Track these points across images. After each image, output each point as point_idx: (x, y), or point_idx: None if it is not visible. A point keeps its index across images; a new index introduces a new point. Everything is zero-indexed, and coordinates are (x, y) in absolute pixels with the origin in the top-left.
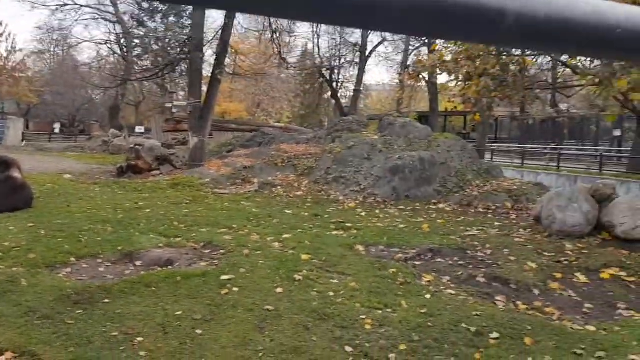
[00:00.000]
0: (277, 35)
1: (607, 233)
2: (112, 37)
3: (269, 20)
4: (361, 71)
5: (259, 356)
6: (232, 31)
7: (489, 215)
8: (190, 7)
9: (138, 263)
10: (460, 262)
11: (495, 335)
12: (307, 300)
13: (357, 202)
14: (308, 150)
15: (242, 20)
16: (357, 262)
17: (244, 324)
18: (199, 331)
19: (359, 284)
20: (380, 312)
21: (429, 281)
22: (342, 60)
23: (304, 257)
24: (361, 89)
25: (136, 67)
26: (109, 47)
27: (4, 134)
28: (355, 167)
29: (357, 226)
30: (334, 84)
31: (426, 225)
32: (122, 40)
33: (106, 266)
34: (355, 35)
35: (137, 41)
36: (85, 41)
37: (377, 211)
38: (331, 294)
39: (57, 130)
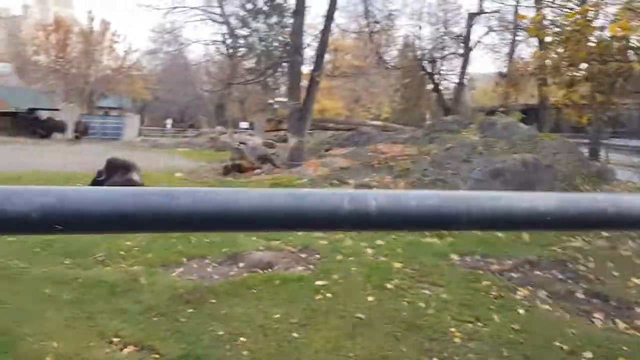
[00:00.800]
0: (375, 35)
1: None
2: (219, 37)
3: (367, 20)
4: (465, 63)
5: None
6: (331, 31)
7: None
8: (292, 7)
9: (241, 264)
10: (559, 276)
11: (589, 354)
12: (397, 309)
13: None
14: (404, 151)
15: (341, 19)
16: (450, 273)
17: (336, 330)
18: (295, 334)
19: (451, 295)
20: (471, 325)
21: (524, 295)
22: (445, 52)
23: (397, 265)
24: (464, 81)
25: (242, 67)
26: (215, 47)
27: (122, 131)
28: (453, 169)
29: (452, 233)
30: (436, 77)
31: (527, 234)
32: (228, 41)
33: (213, 267)
34: (460, 24)
35: (241, 41)
36: (194, 42)
37: None
38: (422, 304)
39: (169, 126)
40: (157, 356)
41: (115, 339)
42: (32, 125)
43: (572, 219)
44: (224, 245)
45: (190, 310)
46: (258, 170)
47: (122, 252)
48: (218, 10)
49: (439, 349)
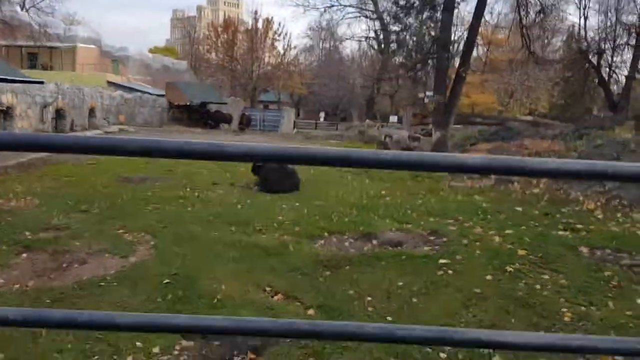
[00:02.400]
0: (527, 30)
1: None
2: (372, 34)
3: (519, 14)
4: (637, 55)
5: (458, 324)
6: (482, 25)
7: None
8: (442, 2)
9: (374, 242)
10: None
11: None
12: (513, 289)
13: (598, 203)
14: (551, 147)
15: (491, 14)
16: (574, 262)
17: (452, 301)
18: (415, 300)
19: (569, 281)
20: (583, 308)
21: None
22: (615, 43)
23: (521, 252)
24: (635, 75)
25: (393, 62)
26: (368, 43)
27: (279, 123)
28: None
29: (588, 228)
30: (603, 70)
31: None
32: (380, 36)
33: (350, 242)
34: (632, 14)
35: (393, 37)
36: (347, 39)
37: (619, 215)
38: (538, 286)
39: (322, 119)
40: (299, 304)
41: (267, 288)
42: (203, 117)
43: None
44: (361, 224)
45: (328, 273)
46: None
47: (275, 225)
48: (372, 7)
49: (546, 324)
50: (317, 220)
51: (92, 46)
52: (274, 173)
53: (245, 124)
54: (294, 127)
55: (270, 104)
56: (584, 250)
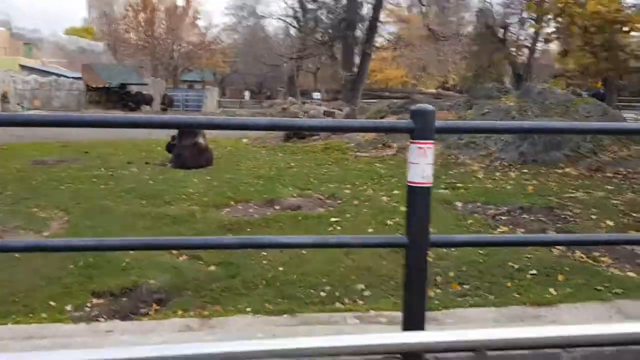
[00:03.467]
0: (426, 8)
1: None
2: (290, 12)
3: None
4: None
5: (340, 269)
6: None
7: (614, 180)
8: None
9: (277, 207)
10: (541, 218)
11: (533, 271)
12: None
13: (482, 165)
14: (447, 116)
15: None
16: (444, 214)
17: (337, 251)
18: (304, 252)
19: (436, 228)
20: (444, 250)
21: (502, 232)
22: (521, 16)
23: (403, 208)
24: (537, 47)
25: (312, 40)
26: (287, 22)
27: (202, 103)
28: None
29: (467, 186)
30: (509, 43)
31: (531, 187)
32: (299, 14)
33: (254, 208)
34: None
35: (310, 15)
36: (267, 17)
37: (498, 174)
38: None
39: (247, 97)
40: (202, 262)
41: (174, 251)
42: (122, 99)
43: None
44: (265, 193)
45: (230, 235)
46: (316, 137)
47: (184, 197)
48: None
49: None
50: (225, 191)
51: (1, 29)
52: (188, 150)
53: (167, 104)
54: (218, 106)
55: (194, 84)
56: (459, 204)
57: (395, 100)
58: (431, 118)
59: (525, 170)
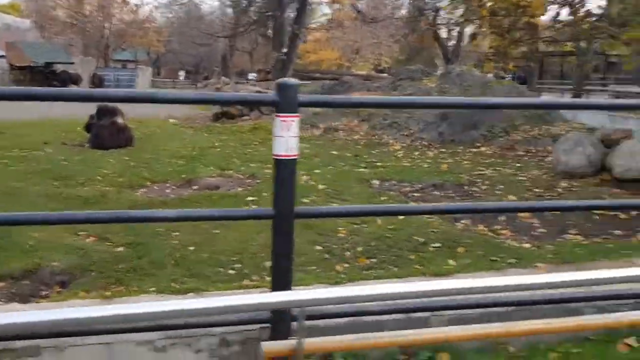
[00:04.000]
0: None
1: (609, 175)
2: None
3: None
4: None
5: (252, 247)
6: None
7: (524, 158)
8: None
9: (195, 187)
10: (451, 195)
11: (437, 244)
12: None
13: (405, 145)
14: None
15: None
16: (360, 192)
17: (249, 229)
18: (216, 231)
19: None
20: (357, 226)
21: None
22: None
23: (320, 186)
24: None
25: (245, 19)
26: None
27: (134, 82)
28: (409, 113)
29: (386, 165)
30: (438, 27)
31: (446, 165)
32: None
33: (172, 189)
34: None
35: None
36: None
37: (417, 153)
38: None
39: (182, 78)
40: (110, 243)
41: (82, 233)
42: (48, 78)
43: None
44: (184, 173)
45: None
46: (246, 117)
47: (99, 178)
48: None
49: (323, 240)
50: (141, 172)
51: None
52: (106, 129)
53: (96, 84)
54: (151, 86)
55: (127, 63)
56: (376, 182)
57: (328, 82)
58: (294, 92)
59: (443, 150)
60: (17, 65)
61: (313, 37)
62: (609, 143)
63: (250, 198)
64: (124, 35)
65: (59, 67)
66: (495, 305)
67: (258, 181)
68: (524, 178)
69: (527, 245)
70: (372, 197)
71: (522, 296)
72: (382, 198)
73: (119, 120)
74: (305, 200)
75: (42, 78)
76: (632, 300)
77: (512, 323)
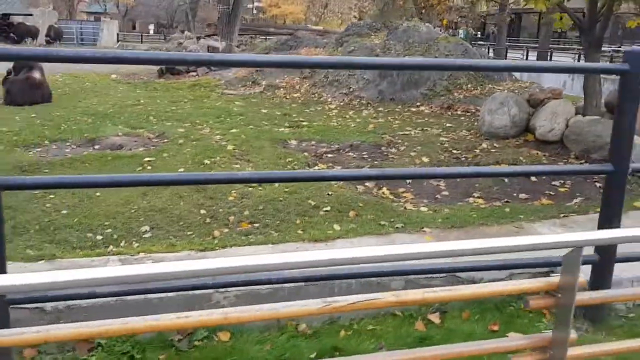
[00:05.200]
0: None
1: (532, 135)
2: None
3: None
4: None
5: (131, 211)
6: None
7: (461, 118)
8: None
9: (96, 147)
10: (364, 156)
11: (327, 208)
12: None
13: (342, 103)
14: (320, 54)
15: None
16: (269, 154)
17: (135, 192)
18: (98, 194)
19: (254, 169)
20: (251, 189)
21: (318, 169)
22: None
23: (230, 147)
24: None
25: None
26: None
27: (98, 36)
28: (350, 71)
29: (311, 124)
30: None
31: (373, 125)
32: None
33: (72, 148)
34: None
35: None
36: None
37: (351, 112)
38: None
39: (151, 31)
40: None
41: None
42: (4, 30)
43: None
44: (87, 131)
45: (22, 175)
46: (193, 73)
47: None
48: None
49: (210, 204)
50: (43, 130)
51: None
52: (18, 85)
53: (53, 37)
54: (117, 41)
55: (100, 16)
56: (293, 142)
57: (283, 37)
58: None
59: (380, 109)
60: None
61: None
62: (535, 103)
63: (148, 159)
64: None
65: (16, 19)
66: (285, 282)
67: (165, 141)
68: (447, 139)
69: (424, 209)
70: (279, 159)
71: (319, 272)
72: (289, 159)
73: (35, 75)
74: (206, 161)
75: None
76: (442, 275)
77: (305, 302)
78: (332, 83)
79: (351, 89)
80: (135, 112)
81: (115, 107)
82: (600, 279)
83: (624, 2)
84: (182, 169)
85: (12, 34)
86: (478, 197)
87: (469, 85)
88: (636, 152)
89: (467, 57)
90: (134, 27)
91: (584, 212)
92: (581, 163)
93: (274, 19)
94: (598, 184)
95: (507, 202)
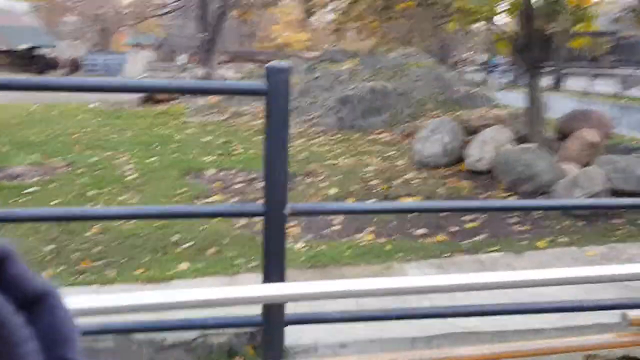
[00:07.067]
0: None
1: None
2: None
3: None
4: None
5: None
6: None
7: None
8: None
9: None
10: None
11: (189, 244)
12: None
13: (299, 131)
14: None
15: None
16: (168, 185)
17: None
18: None
19: (139, 202)
20: (116, 224)
21: (206, 202)
22: None
23: (130, 178)
24: None
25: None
26: None
27: (123, 67)
28: (313, 98)
29: (246, 153)
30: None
31: (305, 153)
32: None
33: None
34: None
35: None
36: None
37: (301, 140)
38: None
39: (181, 61)
40: None
41: None
42: (28, 62)
43: None
44: None
45: None
46: (174, 101)
47: None
48: None
49: (65, 238)
50: None
51: None
52: None
53: (73, 68)
54: (145, 70)
55: (141, 48)
56: (210, 172)
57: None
58: None
59: (337, 136)
60: None
61: (285, 19)
62: (472, 130)
63: (30, 189)
64: (122, 20)
65: (41, 52)
66: None
67: (68, 169)
68: (375, 168)
69: (300, 245)
70: (173, 190)
71: None
72: (184, 190)
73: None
74: (91, 193)
75: (24, 62)
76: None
77: None
78: (293, 110)
79: (311, 116)
80: (66, 141)
81: (50, 136)
82: (270, 344)
83: (561, 20)
84: (56, 201)
85: (34, 66)
86: (370, 233)
87: (437, 111)
88: (565, 183)
89: (438, 82)
90: (171, 59)
91: (474, 252)
92: (508, 195)
93: (282, 48)
94: (512, 220)
95: (395, 239)
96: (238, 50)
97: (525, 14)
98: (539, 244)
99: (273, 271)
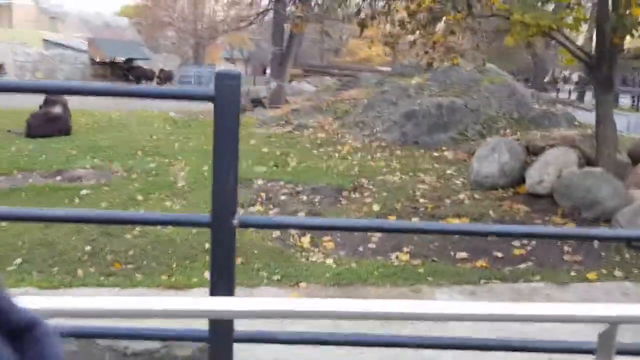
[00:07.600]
0: None
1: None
2: None
3: None
4: None
5: (19, 243)
6: None
7: None
8: None
9: (58, 178)
10: (315, 200)
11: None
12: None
13: (360, 145)
14: (356, 94)
15: None
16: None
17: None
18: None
19: (184, 207)
20: (153, 228)
21: (251, 212)
22: None
23: (181, 184)
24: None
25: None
26: None
27: (210, 79)
28: (377, 112)
29: (299, 165)
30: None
31: (358, 168)
32: None
33: (34, 177)
34: None
35: None
36: None
37: (360, 154)
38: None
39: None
40: None
41: None
42: (125, 74)
43: None
44: (61, 163)
45: None
46: (249, 113)
47: None
48: None
49: (104, 240)
50: (19, 160)
51: (29, 3)
52: (38, 118)
53: (163, 79)
54: None
55: (235, 61)
56: (259, 182)
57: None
58: None
59: (398, 152)
60: (97, 60)
61: (365, 34)
62: (535, 150)
63: (84, 192)
64: (215, 33)
65: (137, 63)
66: None
67: (125, 174)
68: (426, 187)
69: (330, 262)
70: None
71: None
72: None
73: (55, 109)
74: (140, 197)
75: (121, 73)
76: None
77: None
78: (357, 124)
79: (374, 131)
80: (132, 147)
81: (118, 141)
82: None
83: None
84: (104, 204)
85: (131, 77)
86: (405, 253)
87: (508, 130)
88: (631, 210)
89: (512, 99)
90: (264, 72)
91: (514, 280)
92: (565, 223)
93: (362, 62)
94: (565, 248)
95: (433, 260)
96: (314, 64)
97: (599, 28)
98: (590, 275)
99: (221, 285)
